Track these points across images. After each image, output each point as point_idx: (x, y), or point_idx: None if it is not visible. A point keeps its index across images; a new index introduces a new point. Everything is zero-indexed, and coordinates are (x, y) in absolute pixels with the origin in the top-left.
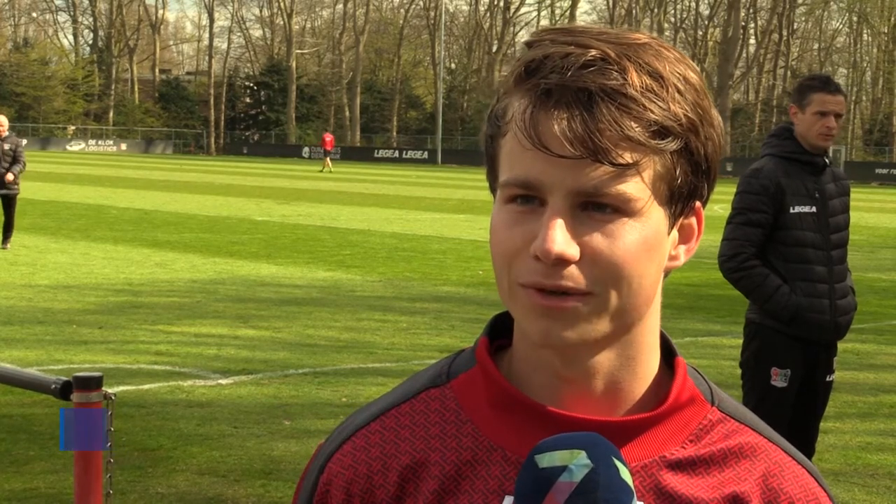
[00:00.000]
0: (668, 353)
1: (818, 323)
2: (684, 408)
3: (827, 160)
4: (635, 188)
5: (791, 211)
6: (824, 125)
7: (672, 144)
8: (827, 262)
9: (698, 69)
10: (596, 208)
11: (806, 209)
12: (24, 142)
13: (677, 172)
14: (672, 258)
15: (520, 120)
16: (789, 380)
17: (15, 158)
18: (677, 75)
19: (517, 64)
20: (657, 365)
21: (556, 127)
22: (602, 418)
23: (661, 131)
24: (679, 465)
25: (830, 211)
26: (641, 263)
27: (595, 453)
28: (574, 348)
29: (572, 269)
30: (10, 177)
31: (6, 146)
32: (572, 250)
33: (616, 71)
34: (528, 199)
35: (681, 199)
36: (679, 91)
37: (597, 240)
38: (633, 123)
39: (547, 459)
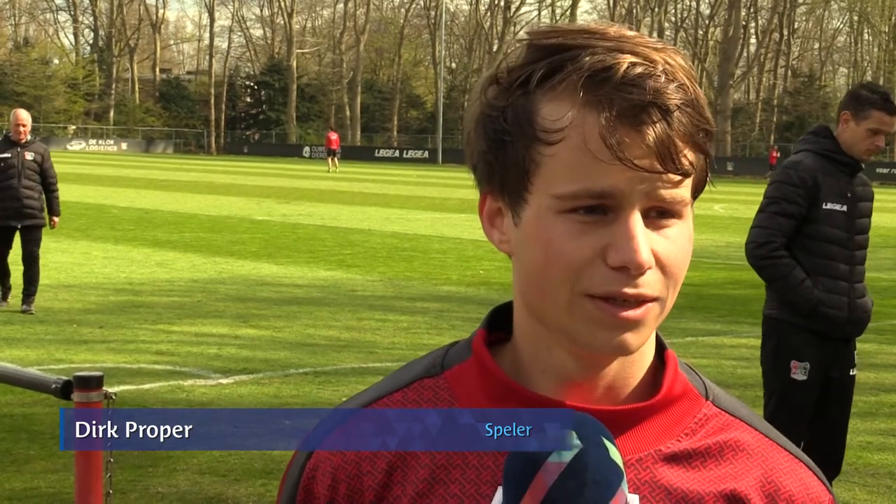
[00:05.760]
0: (658, 347)
1: (834, 319)
2: (678, 401)
3: (861, 164)
4: (687, 192)
5: (823, 207)
6: (874, 143)
7: (712, 146)
8: (850, 260)
9: None
10: (659, 214)
11: (837, 207)
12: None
13: (708, 171)
14: None
15: (599, 132)
16: (809, 373)
17: (44, 176)
18: (697, 77)
19: (567, 72)
20: (652, 358)
21: (642, 142)
22: (595, 406)
23: (710, 135)
24: (675, 459)
25: (858, 213)
26: (688, 262)
27: (584, 433)
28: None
29: (648, 277)
30: (56, 221)
31: (28, 156)
32: (652, 259)
33: (676, 81)
34: (592, 208)
35: (698, 194)
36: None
37: (663, 246)
38: (698, 132)
39: None
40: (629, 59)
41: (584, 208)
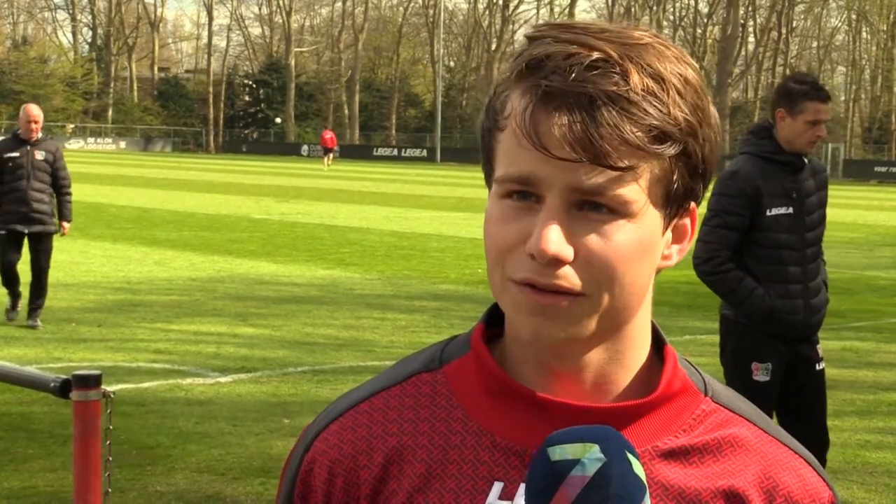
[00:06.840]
0: (657, 343)
1: (790, 323)
2: (676, 397)
3: (805, 159)
4: (632, 191)
5: (768, 214)
6: (815, 134)
7: (671, 149)
8: (801, 261)
9: (697, 67)
10: (592, 208)
11: (782, 211)
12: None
13: (675, 176)
14: (665, 258)
15: (519, 118)
16: (771, 373)
17: (55, 177)
18: (678, 76)
19: (518, 59)
20: (645, 356)
21: (556, 130)
22: (593, 404)
23: (661, 136)
24: (672, 455)
25: (807, 209)
26: (634, 264)
27: (608, 447)
28: (565, 345)
29: (567, 269)
30: (66, 227)
31: (39, 155)
32: (567, 251)
33: (618, 73)
34: (524, 194)
35: (676, 201)
36: (679, 93)
37: (592, 240)
38: (633, 128)
39: (559, 452)
40: (572, 49)
41: (516, 193)
